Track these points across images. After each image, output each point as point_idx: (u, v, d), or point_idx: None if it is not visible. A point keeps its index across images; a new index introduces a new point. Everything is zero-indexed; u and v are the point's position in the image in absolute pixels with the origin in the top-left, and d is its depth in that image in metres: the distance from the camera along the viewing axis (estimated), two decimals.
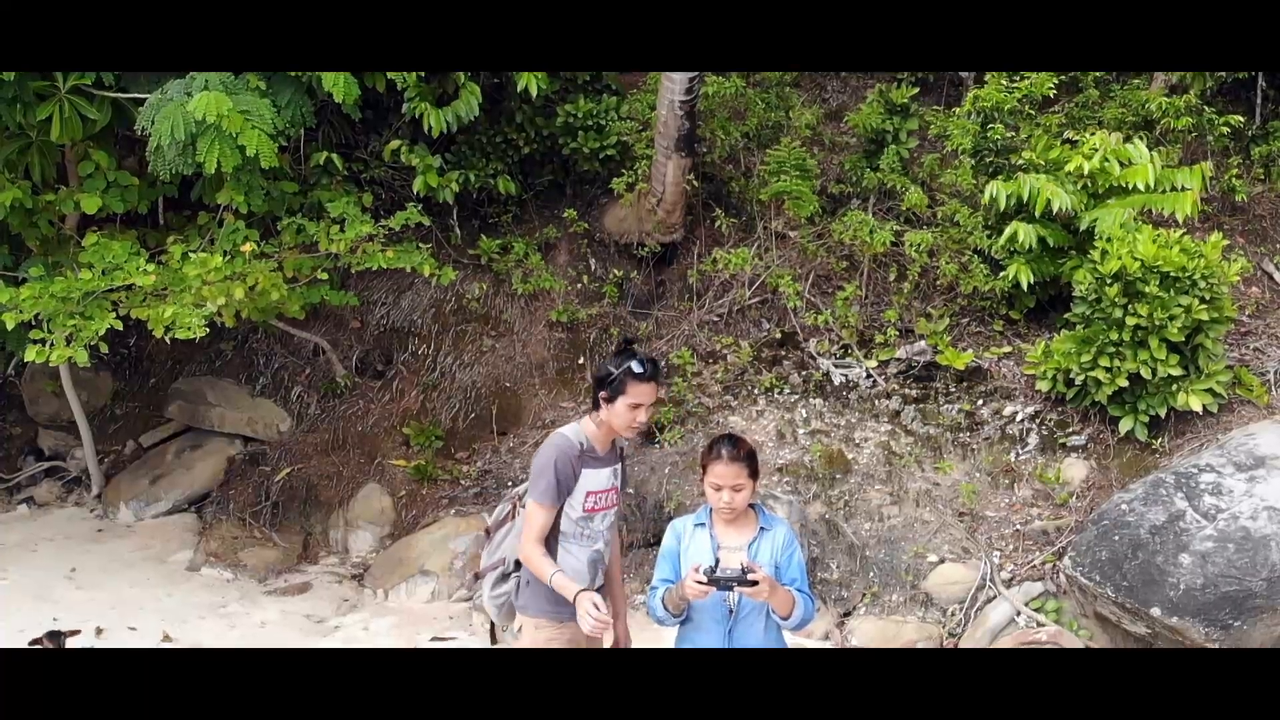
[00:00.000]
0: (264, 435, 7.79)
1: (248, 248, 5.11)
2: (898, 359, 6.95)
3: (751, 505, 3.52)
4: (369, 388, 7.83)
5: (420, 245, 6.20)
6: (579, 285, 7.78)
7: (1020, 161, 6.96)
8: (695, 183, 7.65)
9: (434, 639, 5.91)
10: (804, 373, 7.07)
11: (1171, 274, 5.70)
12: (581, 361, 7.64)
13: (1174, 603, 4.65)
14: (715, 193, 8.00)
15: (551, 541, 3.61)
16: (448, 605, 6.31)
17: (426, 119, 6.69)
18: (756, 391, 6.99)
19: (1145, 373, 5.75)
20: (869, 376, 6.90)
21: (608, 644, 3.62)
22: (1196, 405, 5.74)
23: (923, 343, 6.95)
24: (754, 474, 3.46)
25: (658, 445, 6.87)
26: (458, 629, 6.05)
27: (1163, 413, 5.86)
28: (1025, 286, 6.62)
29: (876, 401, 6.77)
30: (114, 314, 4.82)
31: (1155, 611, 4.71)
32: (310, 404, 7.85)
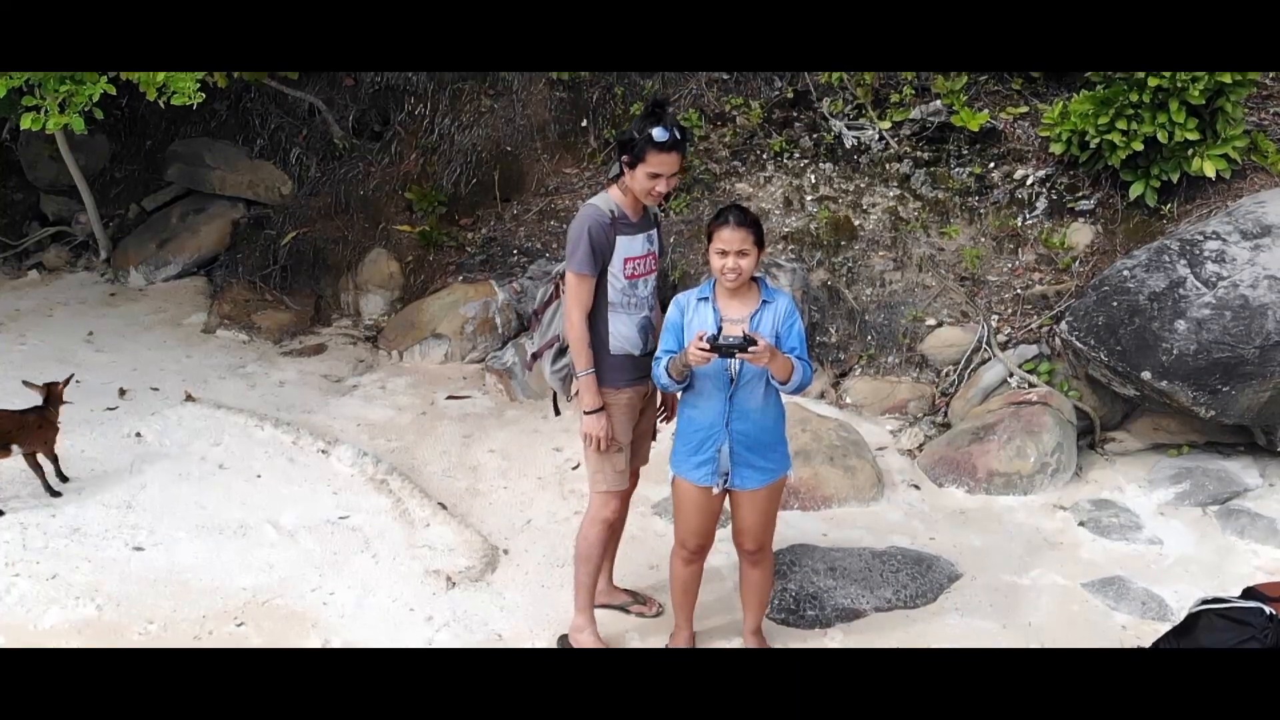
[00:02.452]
0: (266, 198, 7.75)
1: None
2: (912, 119, 6.77)
3: (755, 278, 3.55)
4: (367, 149, 7.69)
5: None
6: None
7: None
8: None
9: (449, 397, 6.13)
10: (815, 135, 6.91)
11: None
12: (584, 124, 7.45)
13: (1165, 367, 4.78)
14: None
15: (601, 312, 3.67)
16: (461, 366, 6.49)
17: None
18: (765, 156, 6.87)
19: (1162, 136, 5.62)
20: (881, 138, 6.74)
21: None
22: (1210, 171, 5.65)
23: (938, 102, 6.75)
24: (759, 242, 3.47)
25: (664, 213, 6.82)
26: (471, 388, 6.26)
27: (1175, 178, 5.78)
28: None
29: (887, 165, 6.66)
30: (105, 77, 4.65)
31: (1145, 375, 4.86)
32: (310, 166, 7.75)
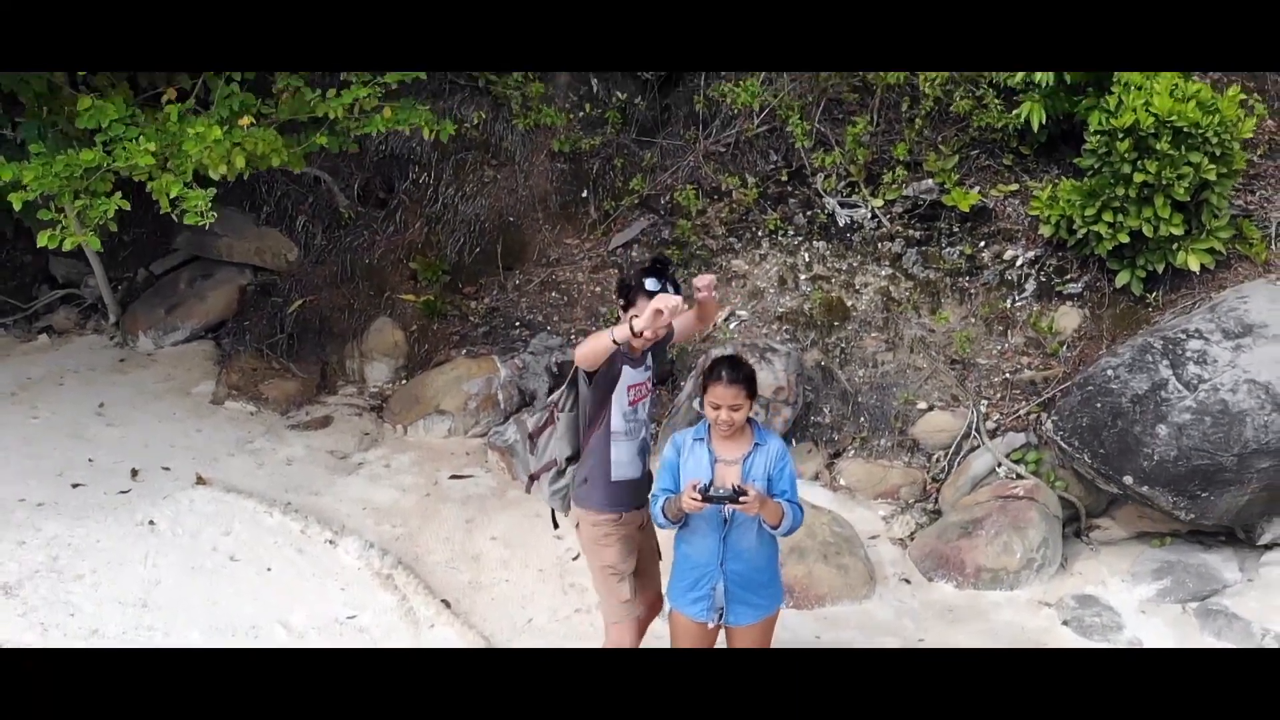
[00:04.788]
0: (273, 265, 7.89)
1: (245, 121, 5.01)
2: (904, 196, 6.93)
3: (748, 419, 3.71)
4: (373, 218, 7.84)
5: (419, 104, 6.02)
6: (580, 113, 7.61)
7: None
8: None
9: (453, 476, 6.28)
10: (809, 212, 7.06)
11: (1185, 129, 5.60)
12: (585, 195, 7.61)
13: (1146, 472, 4.95)
14: None
15: (605, 440, 3.88)
16: (464, 441, 6.65)
17: None
18: (760, 233, 7.02)
19: (1147, 230, 5.78)
20: (874, 217, 6.90)
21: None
22: (1194, 265, 5.81)
23: (930, 181, 6.90)
24: (751, 394, 3.63)
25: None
26: (474, 465, 6.41)
27: (1160, 268, 5.94)
28: (1036, 128, 6.51)
29: (879, 244, 6.81)
30: (120, 194, 4.82)
31: (1127, 480, 5.02)
32: (316, 234, 7.89)
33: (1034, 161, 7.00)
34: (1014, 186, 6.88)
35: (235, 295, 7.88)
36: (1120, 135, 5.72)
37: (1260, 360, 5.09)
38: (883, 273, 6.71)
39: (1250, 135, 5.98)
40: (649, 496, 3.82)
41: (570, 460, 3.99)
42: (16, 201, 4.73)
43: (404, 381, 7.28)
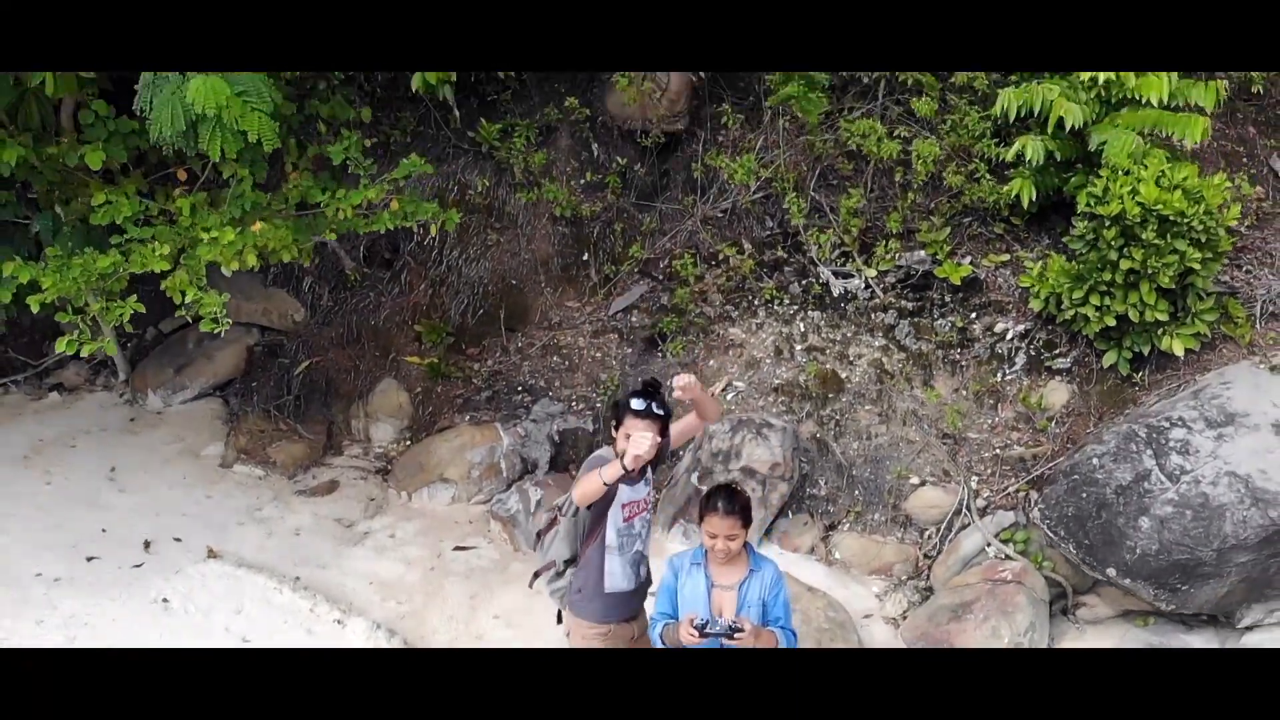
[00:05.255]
0: (280, 325, 8.05)
1: (258, 227, 5.17)
2: (898, 266, 7.08)
3: (744, 545, 3.87)
4: (378, 279, 7.99)
5: (426, 200, 6.18)
6: (582, 180, 7.76)
7: None
8: (701, 74, 7.46)
9: (456, 547, 6.45)
10: (804, 281, 7.21)
11: (1170, 218, 5.75)
12: (586, 258, 7.76)
13: (1129, 566, 5.11)
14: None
15: (599, 553, 4.07)
16: (467, 508, 6.82)
17: None
18: (757, 302, 7.17)
19: (1133, 315, 5.93)
20: (867, 286, 7.05)
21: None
22: (1179, 350, 5.96)
23: (922, 252, 7.06)
24: (747, 524, 3.79)
25: (660, 355, 7.14)
26: (477, 534, 6.58)
27: (1146, 350, 6.09)
28: (1026, 204, 6.67)
29: (873, 314, 6.96)
30: (135, 296, 4.99)
31: (1111, 572, 5.19)
32: (322, 295, 8.05)
33: (1025, 231, 7.15)
34: (1005, 257, 7.03)
35: (243, 355, 8.03)
36: (1108, 223, 5.87)
37: (1240, 451, 5.25)
38: (876, 344, 6.87)
39: (1235, 222, 6.11)
40: (649, 619, 3.98)
41: (569, 563, 4.17)
42: (34, 304, 4.90)
43: (408, 443, 7.44)
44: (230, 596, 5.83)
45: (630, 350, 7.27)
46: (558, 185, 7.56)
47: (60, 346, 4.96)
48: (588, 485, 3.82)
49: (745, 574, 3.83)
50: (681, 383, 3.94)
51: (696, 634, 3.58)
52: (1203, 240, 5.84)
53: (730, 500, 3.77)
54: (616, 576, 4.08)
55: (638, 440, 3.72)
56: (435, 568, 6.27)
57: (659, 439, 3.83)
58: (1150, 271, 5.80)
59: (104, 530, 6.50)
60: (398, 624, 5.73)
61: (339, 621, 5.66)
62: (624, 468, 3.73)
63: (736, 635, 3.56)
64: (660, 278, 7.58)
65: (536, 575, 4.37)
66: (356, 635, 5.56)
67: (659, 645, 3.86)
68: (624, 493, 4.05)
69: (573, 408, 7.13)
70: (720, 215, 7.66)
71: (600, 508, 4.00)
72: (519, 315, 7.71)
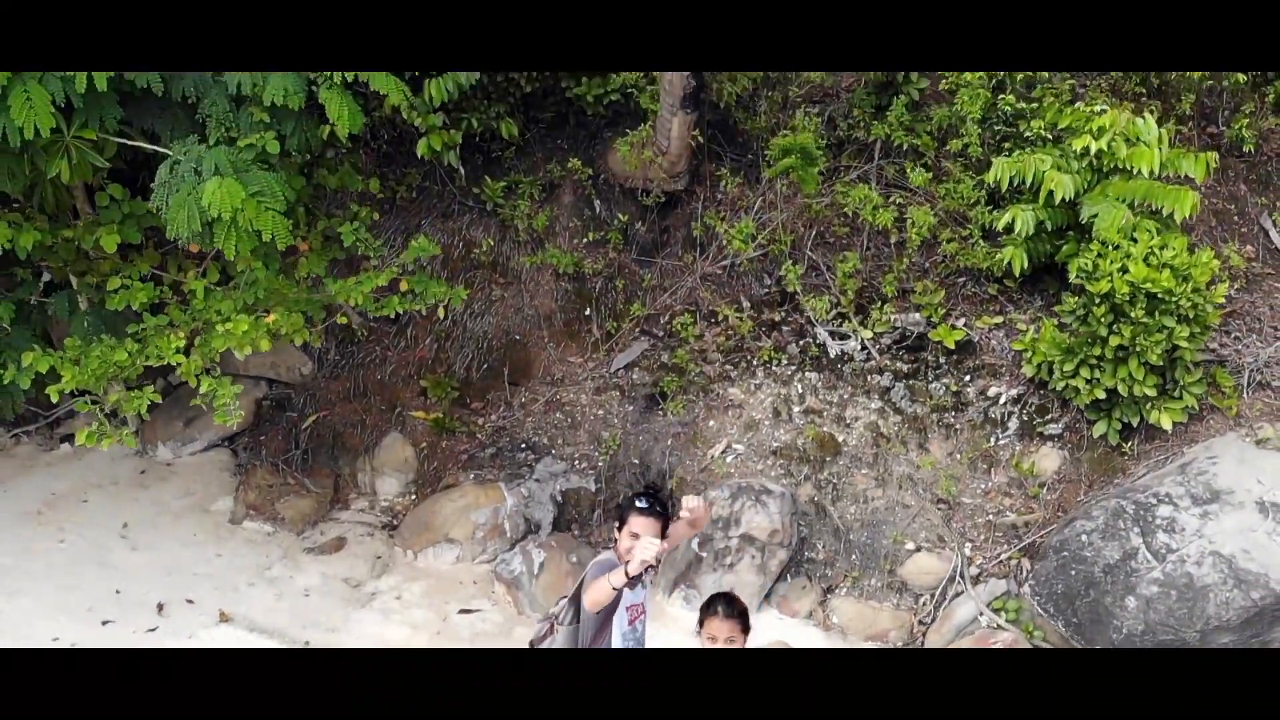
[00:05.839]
0: (287, 378, 8.20)
1: (271, 319, 5.32)
2: (893, 328, 7.23)
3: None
4: (384, 333, 8.14)
5: (436, 279, 6.36)
6: (584, 239, 7.90)
7: (1028, 133, 6.95)
8: (700, 137, 7.61)
9: (461, 610, 6.61)
10: (801, 341, 7.36)
11: (1159, 295, 5.90)
12: (588, 313, 7.90)
13: (1115, 646, 5.26)
14: (722, 124, 7.96)
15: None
16: (471, 568, 6.97)
17: (427, 90, 6.69)
18: (755, 363, 7.32)
19: (1123, 389, 6.08)
20: (863, 348, 7.20)
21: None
22: (1167, 424, 6.11)
23: (917, 314, 7.20)
24: (745, 629, 3.95)
25: (661, 414, 7.29)
26: (481, 595, 6.74)
27: (1135, 422, 6.24)
28: (1018, 271, 6.81)
29: (869, 376, 7.11)
30: (152, 387, 5.15)
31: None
32: (329, 349, 8.19)
33: (1018, 293, 7.30)
34: (999, 319, 7.18)
35: (251, 407, 8.16)
36: (1097, 300, 6.02)
37: (1225, 530, 5.41)
38: (872, 405, 7.02)
39: (1222, 300, 6.26)
40: None
41: None
42: (54, 394, 5.04)
43: (414, 497, 7.60)
44: None
45: (631, 408, 7.42)
46: (560, 246, 7.70)
47: (80, 439, 5.12)
48: (598, 593, 3.97)
49: None
50: (692, 504, 4.14)
51: None
52: (1190, 317, 5.99)
53: (730, 605, 3.94)
54: None
55: (646, 545, 3.88)
56: (441, 631, 6.43)
57: (665, 545, 3.98)
58: (1139, 349, 5.94)
59: (118, 591, 6.66)
60: None
61: None
62: (628, 575, 3.89)
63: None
64: (661, 335, 7.73)
65: None
66: None
67: None
68: (627, 596, 4.20)
69: (575, 466, 7.28)
70: (720, 272, 7.81)
71: (606, 612, 4.15)
72: (522, 370, 7.86)
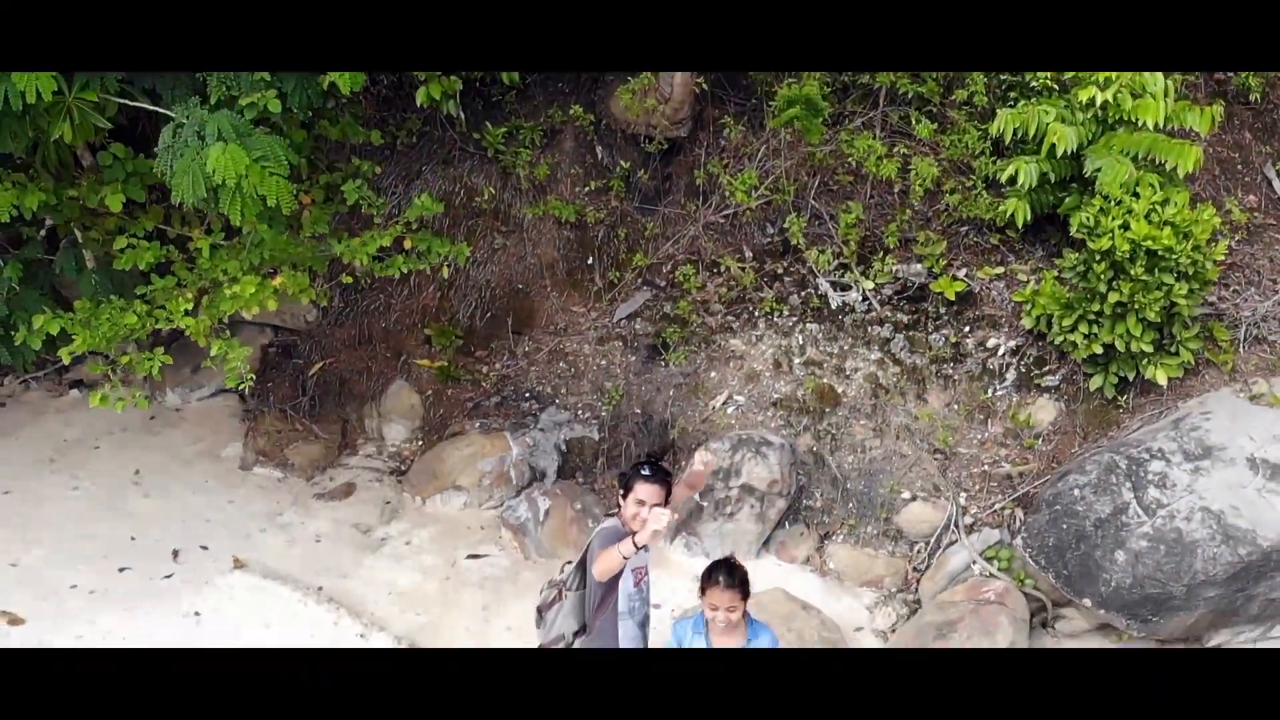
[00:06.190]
0: (292, 325, 8.27)
1: (278, 281, 5.37)
2: (894, 278, 7.27)
3: (743, 614, 4.18)
4: (388, 281, 8.16)
5: (439, 236, 6.35)
6: (586, 187, 7.88)
7: (1034, 82, 6.91)
8: (703, 84, 7.54)
9: (470, 555, 6.79)
10: (803, 292, 7.41)
11: (1159, 253, 5.94)
12: (590, 262, 7.93)
13: (1103, 597, 5.45)
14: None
15: (612, 621, 4.38)
16: (479, 514, 7.14)
17: None
18: (757, 314, 7.38)
19: (1120, 345, 6.16)
20: (864, 299, 7.25)
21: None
22: (1162, 379, 6.20)
23: (919, 265, 7.24)
24: (746, 595, 4.09)
25: (664, 364, 7.38)
26: (489, 541, 6.92)
27: (1131, 376, 6.34)
28: (1020, 223, 6.83)
29: (869, 328, 7.18)
30: (163, 349, 5.23)
31: (1087, 602, 5.53)
32: (334, 296, 8.23)
33: (1020, 243, 7.32)
34: (999, 270, 7.22)
35: (258, 354, 8.25)
36: (1098, 257, 6.06)
37: (1215, 486, 5.54)
38: (872, 357, 7.10)
39: (1222, 257, 6.29)
40: None
41: (577, 634, 4.47)
42: (65, 356, 5.12)
43: (420, 443, 7.74)
44: (258, 609, 6.18)
45: (634, 359, 7.50)
46: (562, 194, 7.69)
47: (93, 402, 5.21)
48: (608, 562, 4.11)
49: (743, 643, 4.15)
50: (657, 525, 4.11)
51: None
52: (1189, 274, 6.03)
53: (731, 574, 4.07)
54: (629, 642, 4.40)
55: (657, 515, 4.02)
56: (450, 576, 6.61)
57: (674, 515, 4.11)
58: (1137, 306, 6.00)
59: (133, 538, 6.83)
60: (417, 635, 6.08)
61: (361, 635, 6.02)
62: (636, 545, 4.03)
63: None
64: (663, 285, 7.77)
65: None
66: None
67: None
68: (632, 559, 4.35)
69: (579, 416, 7.40)
70: (722, 221, 7.82)
71: (613, 576, 4.30)
72: (525, 319, 7.92)
